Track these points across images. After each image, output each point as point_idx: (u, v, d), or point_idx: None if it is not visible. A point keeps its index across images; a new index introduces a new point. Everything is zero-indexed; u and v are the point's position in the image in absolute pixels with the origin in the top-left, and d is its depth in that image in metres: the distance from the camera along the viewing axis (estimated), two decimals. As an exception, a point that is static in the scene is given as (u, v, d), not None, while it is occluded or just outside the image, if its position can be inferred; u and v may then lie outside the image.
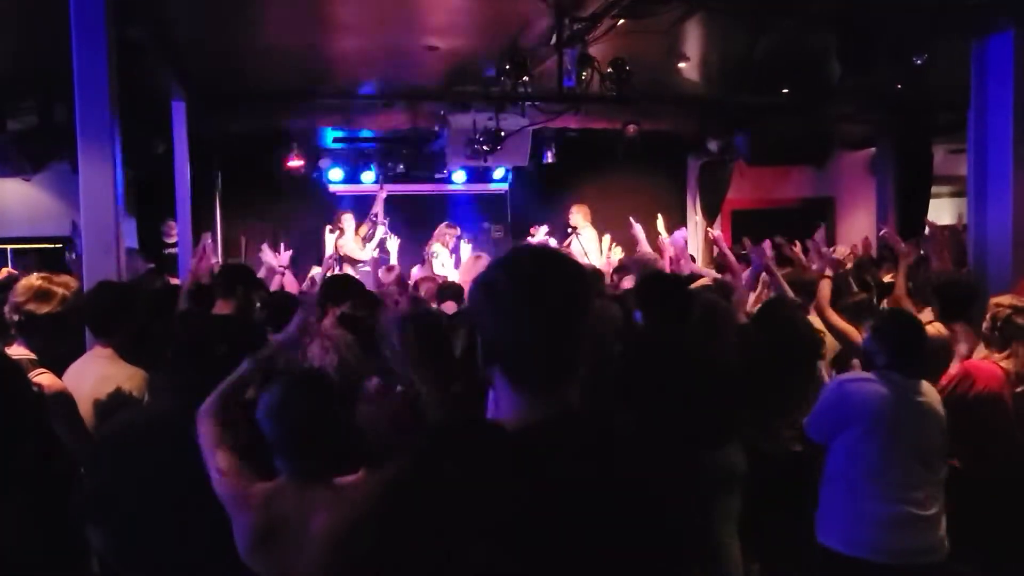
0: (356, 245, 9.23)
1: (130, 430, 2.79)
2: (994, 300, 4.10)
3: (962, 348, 4.19)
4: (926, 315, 4.89)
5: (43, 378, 3.04)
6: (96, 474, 2.75)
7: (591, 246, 9.13)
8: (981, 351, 4.15)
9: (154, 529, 2.61)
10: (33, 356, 3.20)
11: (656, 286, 3.97)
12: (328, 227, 8.84)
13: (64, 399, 3.05)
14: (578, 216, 9.61)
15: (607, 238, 8.82)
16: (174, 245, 8.94)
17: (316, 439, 2.37)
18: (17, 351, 3.19)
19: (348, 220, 9.52)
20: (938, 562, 3.32)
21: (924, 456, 3.34)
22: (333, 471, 2.42)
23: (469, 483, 1.33)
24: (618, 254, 8.09)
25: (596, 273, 6.02)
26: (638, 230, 7.11)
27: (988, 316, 4.05)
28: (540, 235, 8.97)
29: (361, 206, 10.78)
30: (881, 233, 6.82)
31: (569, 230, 9.65)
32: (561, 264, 1.49)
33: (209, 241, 6.00)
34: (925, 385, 3.45)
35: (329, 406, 2.42)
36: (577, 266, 1.53)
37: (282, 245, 7.16)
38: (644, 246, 6.96)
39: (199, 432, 2.49)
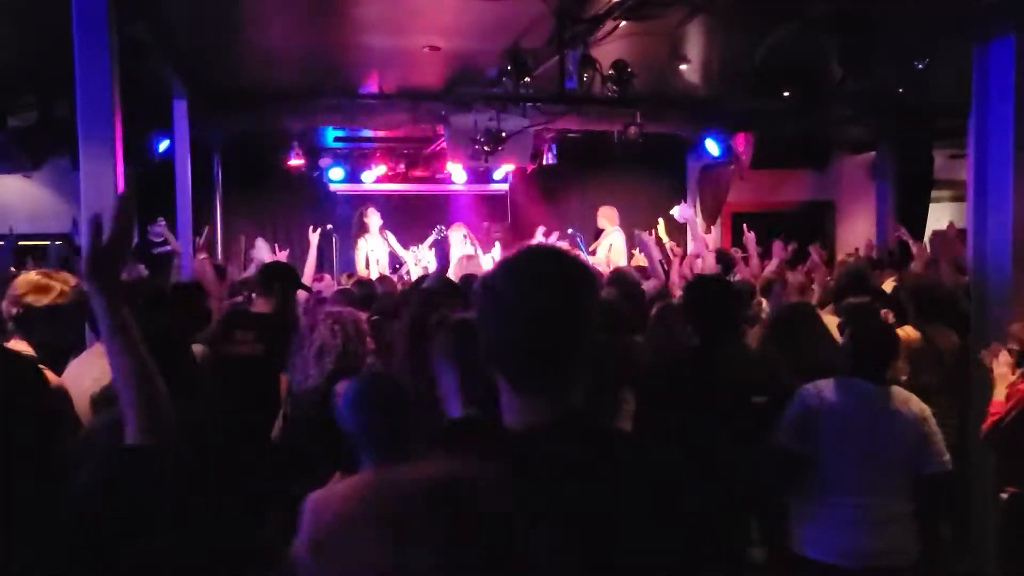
0: (377, 249, 9.13)
1: (113, 426, 2.79)
2: None
3: (1004, 371, 3.95)
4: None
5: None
6: (80, 471, 2.76)
7: (617, 248, 9.12)
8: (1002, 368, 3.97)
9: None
10: (32, 353, 3.20)
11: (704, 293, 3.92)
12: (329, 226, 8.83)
13: (60, 396, 3.06)
14: (604, 219, 9.61)
15: (610, 243, 8.84)
16: (163, 244, 8.91)
17: (404, 425, 2.52)
18: (15, 347, 3.19)
19: (373, 215, 9.43)
20: (903, 566, 3.30)
21: (882, 462, 3.30)
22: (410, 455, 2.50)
23: (470, 487, 1.31)
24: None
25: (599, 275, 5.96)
26: (689, 220, 7.11)
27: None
28: (538, 236, 8.98)
29: (362, 206, 10.79)
30: (897, 232, 6.81)
31: (572, 234, 9.65)
32: (562, 264, 1.45)
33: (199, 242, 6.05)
34: (894, 391, 3.40)
35: (406, 396, 2.61)
36: (579, 266, 1.48)
37: (276, 247, 7.15)
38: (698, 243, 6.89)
39: None
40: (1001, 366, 3.94)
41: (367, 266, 8.94)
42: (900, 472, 3.33)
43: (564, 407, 1.41)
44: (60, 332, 3.34)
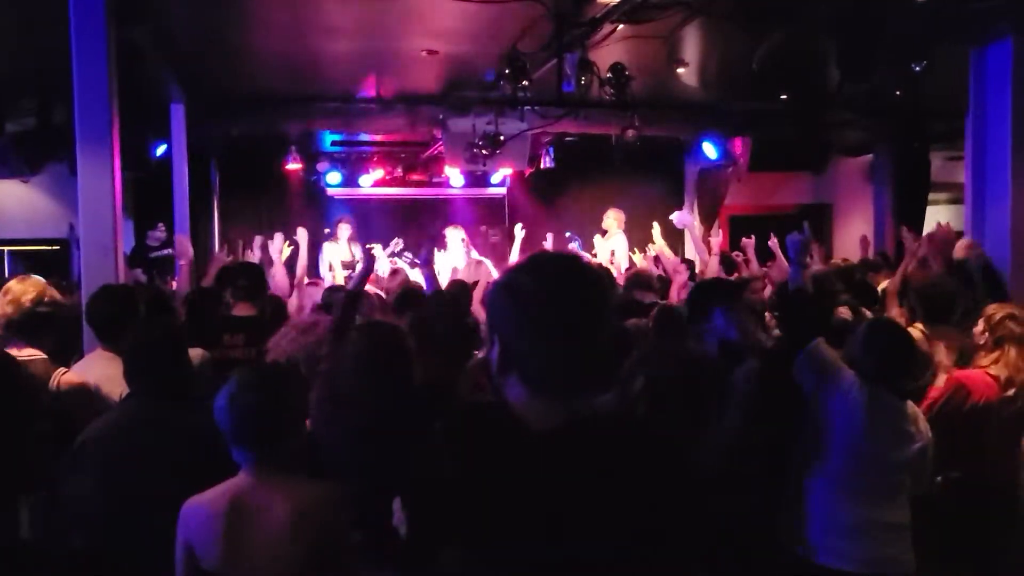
0: (339, 256, 9.01)
1: (111, 433, 2.78)
2: (990, 308, 4.07)
3: (943, 359, 4.13)
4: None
5: (67, 376, 3.24)
6: (77, 478, 2.75)
7: (618, 253, 9.11)
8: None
9: (134, 530, 2.62)
10: (44, 356, 3.25)
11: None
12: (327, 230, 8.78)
13: (86, 391, 3.18)
14: (611, 221, 9.61)
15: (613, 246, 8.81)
16: (160, 248, 8.92)
17: (268, 424, 2.38)
18: (29, 352, 3.24)
19: (344, 229, 9.45)
20: (904, 574, 3.27)
21: (891, 473, 3.27)
22: (291, 461, 2.43)
23: (491, 479, 1.34)
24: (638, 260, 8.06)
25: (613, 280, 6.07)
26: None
27: (981, 320, 4.02)
28: (550, 243, 8.97)
29: (360, 210, 10.80)
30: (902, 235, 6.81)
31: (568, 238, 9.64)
32: (585, 269, 1.49)
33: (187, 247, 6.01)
34: (909, 407, 3.36)
35: (279, 393, 2.43)
36: (598, 272, 1.55)
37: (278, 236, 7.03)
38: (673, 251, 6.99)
39: None
40: (942, 356, 4.07)
41: (330, 270, 8.86)
42: (896, 484, 3.30)
43: (581, 409, 1.43)
44: (47, 334, 3.36)
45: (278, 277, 6.39)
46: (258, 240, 7.35)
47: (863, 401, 3.24)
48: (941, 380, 4.06)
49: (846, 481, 3.26)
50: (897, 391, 3.33)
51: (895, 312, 4.96)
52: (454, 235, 9.09)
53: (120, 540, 2.65)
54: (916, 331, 4.58)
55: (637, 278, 5.75)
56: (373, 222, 11.38)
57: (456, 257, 8.73)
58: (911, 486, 3.33)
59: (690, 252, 9.57)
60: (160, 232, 8.99)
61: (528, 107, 7.21)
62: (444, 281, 5.99)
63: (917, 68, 5.76)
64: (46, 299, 3.36)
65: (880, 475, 3.27)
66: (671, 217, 7.44)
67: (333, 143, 10.75)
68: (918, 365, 3.65)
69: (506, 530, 1.33)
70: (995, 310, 4.02)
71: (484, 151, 8.31)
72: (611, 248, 9.23)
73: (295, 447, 2.46)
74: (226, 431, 2.38)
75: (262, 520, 2.30)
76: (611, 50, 6.18)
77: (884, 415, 3.27)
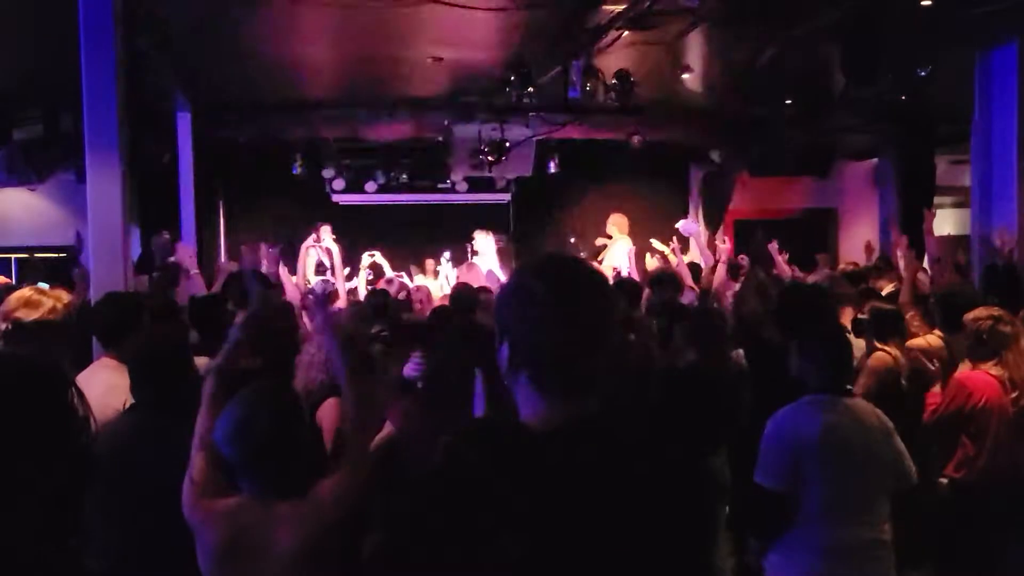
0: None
1: (113, 445, 2.77)
2: (970, 315, 3.99)
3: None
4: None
5: None
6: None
7: (621, 259, 9.09)
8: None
9: (135, 543, 2.62)
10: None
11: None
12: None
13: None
14: (613, 227, 9.60)
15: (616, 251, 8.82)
16: (167, 256, 8.90)
17: (278, 458, 2.27)
18: None
19: (325, 231, 9.31)
20: None
21: (868, 481, 3.12)
22: (297, 487, 2.31)
23: (496, 480, 1.36)
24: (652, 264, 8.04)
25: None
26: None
27: (968, 330, 3.98)
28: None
29: (365, 216, 10.82)
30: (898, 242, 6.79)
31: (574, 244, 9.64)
32: (592, 273, 1.54)
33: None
34: (860, 404, 3.26)
35: (289, 424, 2.32)
36: (604, 276, 1.59)
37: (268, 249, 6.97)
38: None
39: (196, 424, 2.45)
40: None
41: (316, 272, 8.69)
42: (881, 491, 3.17)
43: (585, 409, 1.46)
44: (50, 347, 3.33)
45: (286, 287, 6.36)
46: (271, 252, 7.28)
47: (819, 421, 3.12)
48: (937, 387, 4.10)
49: (827, 501, 3.09)
50: (845, 393, 3.25)
51: (914, 320, 4.87)
52: (485, 239, 9.05)
53: (122, 553, 2.64)
54: (935, 337, 4.57)
55: (672, 278, 5.64)
56: (378, 228, 11.39)
57: (491, 260, 8.71)
58: (895, 484, 3.18)
59: (693, 256, 9.57)
60: (163, 239, 9.00)
61: (533, 113, 7.24)
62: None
63: (922, 72, 5.77)
64: (31, 311, 3.33)
65: (857, 488, 3.11)
66: (676, 225, 7.46)
67: (338, 149, 10.77)
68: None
69: (512, 529, 1.35)
70: (979, 322, 3.93)
71: (489, 157, 8.33)
72: (615, 253, 9.23)
73: (304, 472, 2.36)
74: (232, 460, 2.26)
75: (265, 549, 2.21)
76: (616, 56, 6.20)
77: (845, 423, 3.14)
